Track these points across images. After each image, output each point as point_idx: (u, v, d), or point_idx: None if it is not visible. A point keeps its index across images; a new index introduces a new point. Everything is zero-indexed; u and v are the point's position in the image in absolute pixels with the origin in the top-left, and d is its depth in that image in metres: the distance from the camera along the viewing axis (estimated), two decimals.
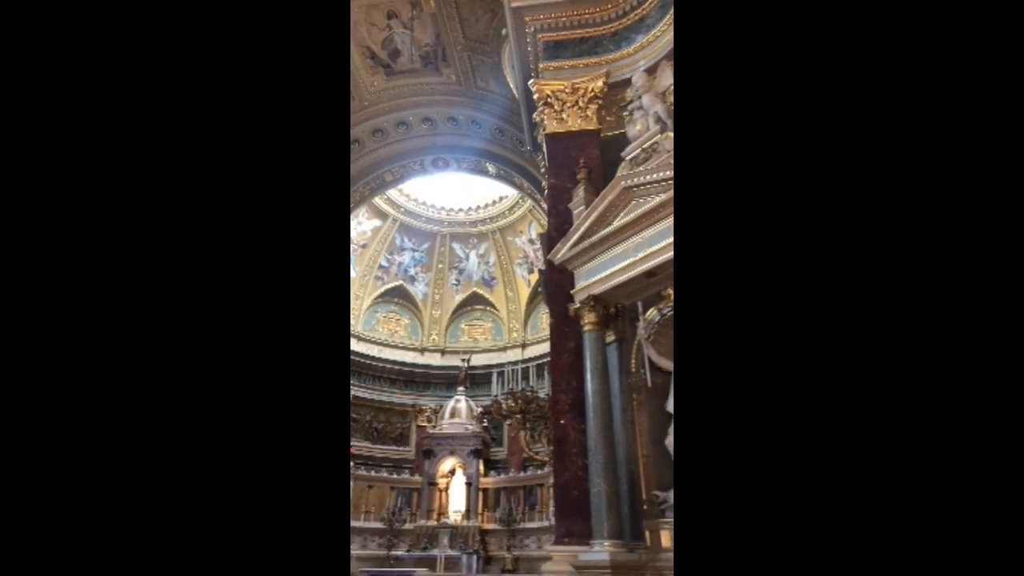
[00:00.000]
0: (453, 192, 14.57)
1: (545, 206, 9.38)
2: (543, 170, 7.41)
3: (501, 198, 14.43)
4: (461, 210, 14.88)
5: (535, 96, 6.05)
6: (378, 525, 11.71)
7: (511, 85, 8.50)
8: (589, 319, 4.42)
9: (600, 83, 5.71)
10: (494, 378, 8.03)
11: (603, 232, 4.30)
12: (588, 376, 4.34)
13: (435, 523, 11.55)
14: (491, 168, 11.05)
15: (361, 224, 13.95)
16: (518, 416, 7.58)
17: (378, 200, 13.39)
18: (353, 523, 11.52)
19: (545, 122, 5.91)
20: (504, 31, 6.90)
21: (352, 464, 12.24)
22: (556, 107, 5.84)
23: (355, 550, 11.29)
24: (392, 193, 13.55)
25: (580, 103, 5.74)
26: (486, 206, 14.71)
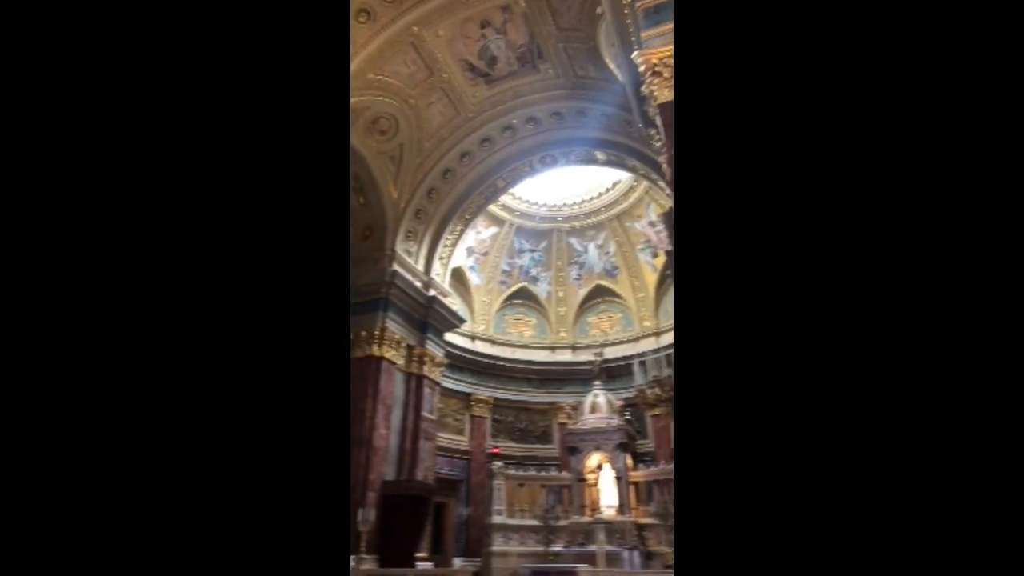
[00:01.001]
0: (563, 187, 14.51)
1: (663, 184, 8.92)
2: (659, 145, 7.03)
3: (614, 184, 14.06)
4: (575, 203, 14.76)
5: (641, 69, 5.74)
6: (533, 522, 11.95)
7: (611, 66, 8.22)
8: None
9: None
10: (635, 368, 7.76)
11: None
12: None
13: (589, 519, 11.49)
14: (600, 156, 10.81)
15: (480, 233, 14.43)
16: (665, 405, 7.24)
17: (493, 207, 13.75)
18: (508, 520, 11.89)
19: (655, 93, 5.58)
20: (599, 10, 6.69)
21: (502, 464, 12.65)
22: (665, 75, 5.49)
23: (514, 547, 11.64)
24: (505, 198, 13.84)
25: None
26: (599, 195, 14.43)
